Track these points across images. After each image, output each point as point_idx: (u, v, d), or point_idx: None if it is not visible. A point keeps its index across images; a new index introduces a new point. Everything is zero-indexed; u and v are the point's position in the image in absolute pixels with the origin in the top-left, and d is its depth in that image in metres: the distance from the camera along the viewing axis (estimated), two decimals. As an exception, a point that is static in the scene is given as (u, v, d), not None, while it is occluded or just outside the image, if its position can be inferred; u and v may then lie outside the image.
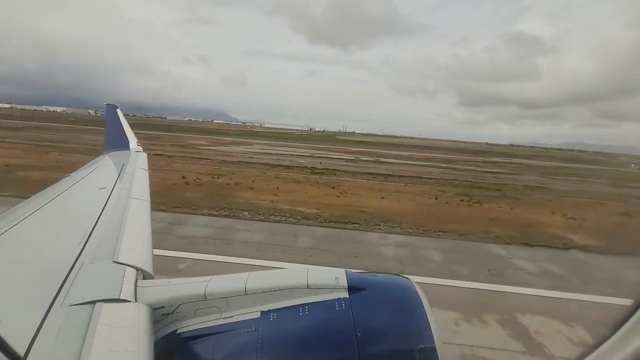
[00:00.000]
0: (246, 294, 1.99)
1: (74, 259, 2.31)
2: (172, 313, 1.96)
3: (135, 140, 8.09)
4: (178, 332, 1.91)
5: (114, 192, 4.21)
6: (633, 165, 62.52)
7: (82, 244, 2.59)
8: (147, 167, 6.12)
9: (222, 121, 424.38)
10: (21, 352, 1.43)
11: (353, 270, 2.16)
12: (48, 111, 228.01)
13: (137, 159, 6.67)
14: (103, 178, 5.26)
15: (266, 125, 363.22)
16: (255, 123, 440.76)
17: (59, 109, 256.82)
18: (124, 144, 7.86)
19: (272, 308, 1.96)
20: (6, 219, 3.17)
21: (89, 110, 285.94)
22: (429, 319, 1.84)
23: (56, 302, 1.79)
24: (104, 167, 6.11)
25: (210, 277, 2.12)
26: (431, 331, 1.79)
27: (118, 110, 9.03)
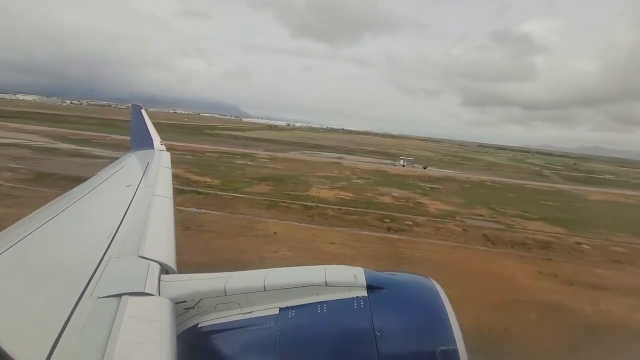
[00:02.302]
0: (265, 291, 2.04)
1: (102, 254, 2.39)
2: (194, 307, 2.03)
3: (159, 140, 8.52)
4: (199, 326, 1.99)
5: (139, 189, 4.35)
6: (401, 162, 62.64)
7: (110, 239, 2.68)
8: (170, 166, 6.42)
9: (215, 114, 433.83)
10: (50, 341, 1.51)
11: (372, 270, 2.14)
12: (19, 100, 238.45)
13: (161, 157, 6.99)
14: (129, 176, 5.45)
15: (244, 120, 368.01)
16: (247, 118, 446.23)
17: (29, 98, 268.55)
18: (148, 144, 8.28)
19: (290, 305, 2.00)
20: (40, 215, 3.29)
21: (67, 101, 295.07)
22: (451, 320, 1.83)
23: (85, 294, 1.90)
24: (129, 165, 6.42)
25: (230, 273, 2.18)
26: (453, 333, 1.78)
27: (143, 111, 9.32)
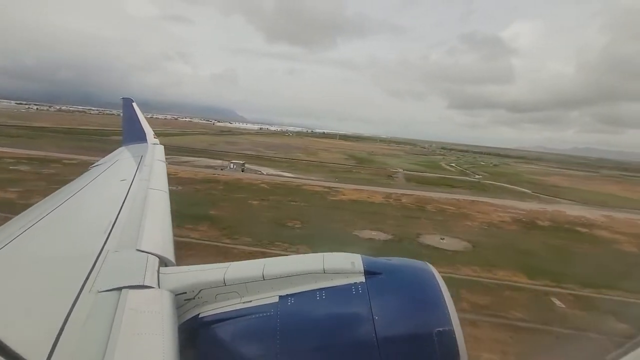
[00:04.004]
0: (264, 280, 2.10)
1: (100, 248, 2.46)
2: (194, 298, 2.08)
3: (152, 133, 8.55)
4: (200, 316, 2.04)
5: (134, 183, 4.48)
6: (232, 165, 67.29)
7: (107, 233, 2.75)
8: (164, 159, 6.50)
9: (198, 118, 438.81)
10: (52, 336, 1.51)
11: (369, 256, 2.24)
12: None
13: (155, 151, 7.07)
14: (123, 170, 5.56)
15: (218, 124, 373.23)
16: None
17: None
18: (141, 137, 8.25)
19: (289, 293, 2.05)
20: (36, 211, 3.39)
21: (34, 107, 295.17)
22: (447, 302, 1.92)
23: (85, 288, 1.91)
24: (123, 159, 6.47)
25: (228, 263, 2.27)
26: (449, 314, 1.87)
27: (134, 104, 9.19)
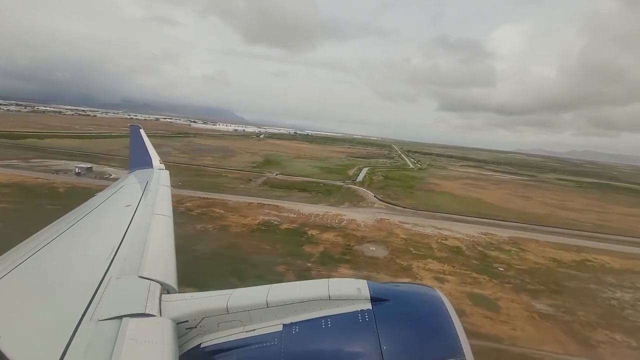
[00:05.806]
0: (268, 307, 2.10)
1: (102, 275, 2.54)
2: (196, 327, 2.10)
3: (158, 158, 9.05)
4: (202, 346, 2.03)
5: (139, 209, 4.75)
6: (77, 169, 68.90)
7: (110, 259, 2.84)
8: (169, 184, 7.04)
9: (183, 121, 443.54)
10: None
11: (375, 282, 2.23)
12: None
13: (160, 176, 7.57)
14: (128, 196, 5.94)
15: (194, 126, 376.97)
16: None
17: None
18: (147, 163, 8.79)
19: (294, 321, 2.06)
20: (41, 237, 3.50)
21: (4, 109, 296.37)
22: (458, 330, 1.92)
23: (85, 317, 1.95)
24: (129, 185, 6.97)
25: (232, 290, 2.32)
26: (460, 343, 1.86)
27: (141, 131, 9.97)
